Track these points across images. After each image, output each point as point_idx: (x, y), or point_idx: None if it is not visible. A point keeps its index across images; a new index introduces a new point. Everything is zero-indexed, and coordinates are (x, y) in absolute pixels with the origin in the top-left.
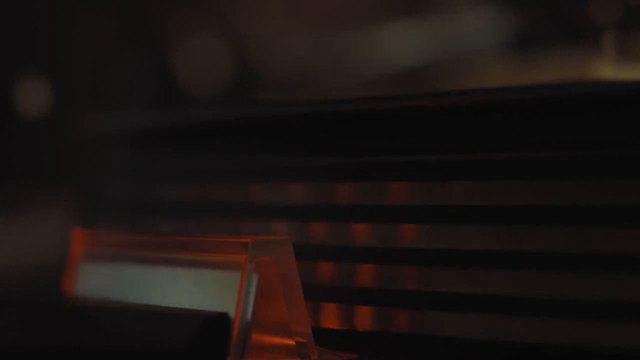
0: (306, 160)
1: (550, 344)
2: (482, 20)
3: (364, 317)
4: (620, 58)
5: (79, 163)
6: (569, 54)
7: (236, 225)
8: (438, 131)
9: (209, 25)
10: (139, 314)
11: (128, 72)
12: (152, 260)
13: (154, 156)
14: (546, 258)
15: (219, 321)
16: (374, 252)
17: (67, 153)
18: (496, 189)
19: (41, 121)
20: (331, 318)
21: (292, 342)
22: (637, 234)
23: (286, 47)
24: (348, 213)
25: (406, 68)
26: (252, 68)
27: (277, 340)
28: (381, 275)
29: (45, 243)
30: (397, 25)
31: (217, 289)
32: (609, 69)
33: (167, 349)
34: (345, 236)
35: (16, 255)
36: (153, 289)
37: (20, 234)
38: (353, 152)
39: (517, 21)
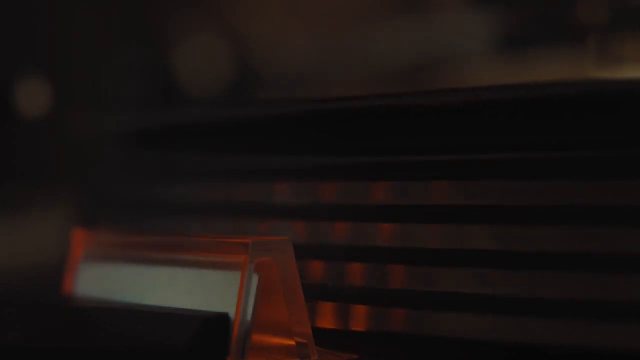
0: (306, 160)
1: (550, 344)
2: (482, 21)
3: (364, 317)
4: (611, 58)
5: (79, 163)
6: (563, 54)
7: (236, 225)
8: (438, 131)
9: (209, 25)
10: (139, 314)
11: (128, 72)
12: (152, 260)
13: (154, 156)
14: (546, 258)
15: (219, 321)
16: (374, 251)
17: (67, 153)
18: (496, 189)
19: (41, 121)
20: (331, 318)
21: (292, 342)
22: (637, 234)
23: (286, 47)
24: (348, 213)
25: (406, 67)
26: (252, 68)
27: (277, 340)
28: (381, 275)
29: (45, 243)
30: (397, 25)
31: (217, 289)
32: (600, 70)
33: (167, 349)
34: (345, 236)
35: (16, 255)
36: (153, 289)
37: (20, 234)
38: (353, 152)
39: (512, 21)
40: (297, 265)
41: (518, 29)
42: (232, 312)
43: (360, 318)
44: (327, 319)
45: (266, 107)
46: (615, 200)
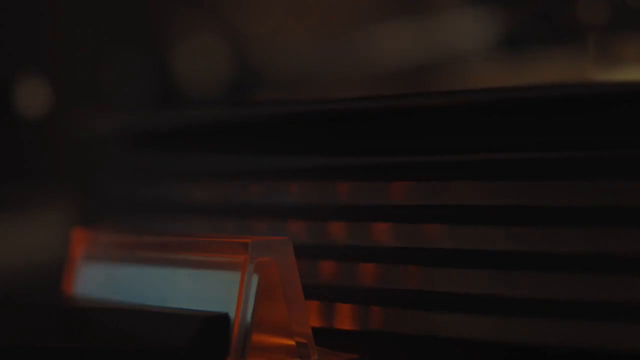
0: (306, 160)
1: (550, 344)
2: (482, 21)
3: (364, 317)
4: (610, 59)
5: (79, 163)
6: (563, 54)
7: (236, 225)
8: (438, 131)
9: (209, 25)
10: (139, 314)
11: (128, 72)
12: (152, 260)
13: (154, 156)
14: (546, 258)
15: (219, 321)
16: (373, 252)
17: (67, 153)
18: (496, 189)
19: (41, 121)
20: (331, 318)
21: (292, 342)
22: (637, 235)
23: (286, 47)
24: (349, 213)
25: (406, 68)
26: (252, 68)
27: (277, 340)
28: (381, 275)
29: (45, 243)
30: (396, 25)
31: (217, 289)
32: (600, 70)
33: (167, 349)
34: (345, 236)
35: (16, 255)
36: (153, 289)
37: (20, 234)
38: (353, 152)
39: (510, 22)
40: (297, 265)
41: (518, 29)
42: (232, 312)
43: (360, 318)
44: (328, 319)
45: (266, 107)
46: (616, 200)
